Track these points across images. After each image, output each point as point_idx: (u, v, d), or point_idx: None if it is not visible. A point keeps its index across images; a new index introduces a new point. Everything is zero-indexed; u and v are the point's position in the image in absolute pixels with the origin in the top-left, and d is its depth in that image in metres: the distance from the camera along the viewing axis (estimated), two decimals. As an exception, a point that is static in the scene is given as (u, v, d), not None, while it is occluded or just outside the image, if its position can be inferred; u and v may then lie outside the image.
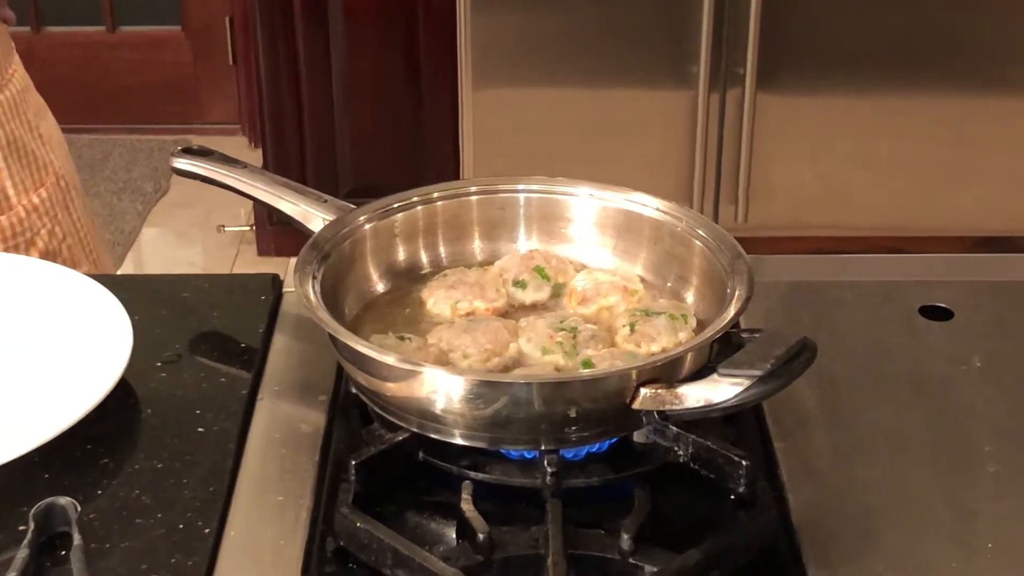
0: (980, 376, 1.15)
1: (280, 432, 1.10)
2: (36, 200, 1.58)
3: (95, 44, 3.65)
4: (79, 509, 0.95)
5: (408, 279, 1.17)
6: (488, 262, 1.18)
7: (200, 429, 1.09)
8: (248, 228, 3.13)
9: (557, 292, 1.14)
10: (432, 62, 2.85)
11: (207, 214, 3.23)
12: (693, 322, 1.08)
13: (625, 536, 0.92)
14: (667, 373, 0.97)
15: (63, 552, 0.94)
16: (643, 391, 0.96)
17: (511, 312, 1.12)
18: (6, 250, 1.48)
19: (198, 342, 1.22)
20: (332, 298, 1.06)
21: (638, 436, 1.02)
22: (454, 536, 0.96)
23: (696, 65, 2.83)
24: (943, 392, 1.14)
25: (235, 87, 3.35)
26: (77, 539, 0.93)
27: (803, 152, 2.95)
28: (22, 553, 0.92)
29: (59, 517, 0.96)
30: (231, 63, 3.46)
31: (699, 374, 0.97)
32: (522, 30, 2.81)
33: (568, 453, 0.99)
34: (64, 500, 0.96)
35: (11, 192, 1.56)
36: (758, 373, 0.93)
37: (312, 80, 2.87)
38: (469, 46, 2.79)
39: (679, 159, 2.88)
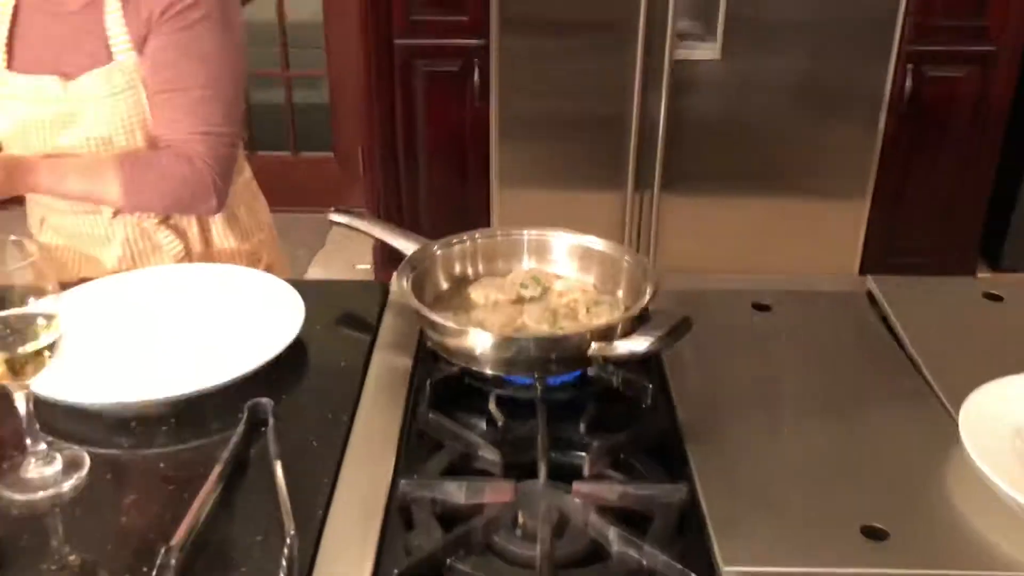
0: (786, 343, 1.16)
1: (387, 368, 1.11)
2: (260, 238, 1.54)
3: (284, 161, 3.65)
4: (273, 405, 0.99)
5: (460, 283, 1.17)
6: (506, 274, 1.17)
7: (342, 363, 1.11)
8: (370, 266, 3.17)
9: (545, 291, 1.13)
10: (476, 173, 2.85)
11: (349, 258, 3.30)
12: (622, 308, 1.09)
13: (582, 425, 0.96)
14: (607, 335, 0.98)
15: (263, 430, 0.96)
16: (593, 344, 0.98)
17: (519, 302, 1.11)
18: (248, 265, 1.44)
19: (344, 317, 1.22)
20: (417, 292, 1.07)
21: (591, 371, 1.02)
22: (484, 425, 0.98)
23: (625, 175, 2.84)
24: (761, 350, 1.14)
25: (365, 185, 3.33)
26: (271, 423, 0.96)
27: (691, 227, 2.94)
28: (240, 428, 0.96)
29: (261, 410, 0.98)
30: (361, 173, 3.48)
31: (626, 336, 0.98)
32: (530, 156, 2.82)
33: (550, 380, 1.01)
34: (264, 400, 0.99)
35: (252, 229, 1.52)
36: (659, 333, 0.96)
37: (408, 182, 2.87)
38: (497, 168, 2.83)
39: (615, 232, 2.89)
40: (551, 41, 2.69)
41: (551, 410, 0.96)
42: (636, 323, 1.00)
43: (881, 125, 2.72)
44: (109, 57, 1.29)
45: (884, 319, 1.18)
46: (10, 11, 1.31)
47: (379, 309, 1.23)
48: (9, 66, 1.31)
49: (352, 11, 2.82)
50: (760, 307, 1.21)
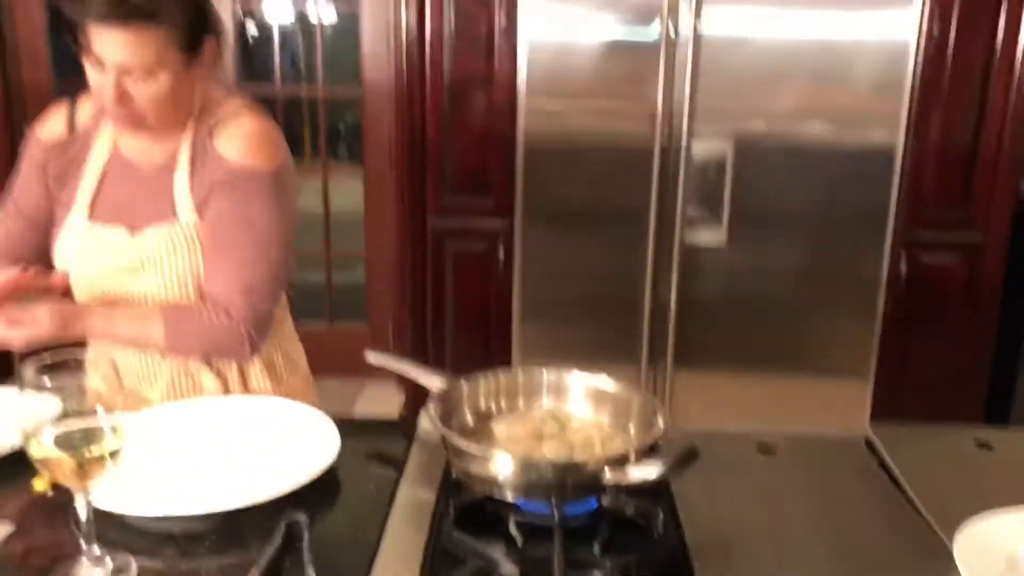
0: (789, 481, 1.22)
1: (413, 496, 1.17)
2: (295, 382, 1.62)
3: (320, 332, 3.79)
4: (308, 522, 1.04)
5: (484, 418, 1.24)
6: (526, 410, 1.24)
7: (371, 489, 1.18)
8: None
9: (562, 428, 1.20)
10: (498, 346, 2.95)
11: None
12: (633, 441, 1.16)
13: (596, 546, 1.03)
14: (621, 463, 1.05)
15: (297, 545, 1.01)
16: (608, 472, 1.04)
17: (538, 437, 1.18)
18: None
19: (374, 449, 1.30)
20: (445, 423, 1.14)
21: (605, 501, 1.08)
22: (504, 546, 1.03)
23: (639, 352, 2.95)
24: (765, 488, 1.20)
25: (394, 353, 3.36)
26: (306, 537, 1.01)
27: (703, 400, 3.01)
28: (277, 541, 1.01)
29: (297, 526, 1.03)
30: (391, 343, 3.60)
31: (638, 464, 1.05)
32: (550, 331, 2.94)
33: (567, 508, 1.05)
34: (300, 516, 1.04)
35: (287, 374, 1.60)
36: (668, 461, 1.04)
37: (435, 352, 2.99)
38: (519, 342, 2.95)
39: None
40: (570, 226, 2.88)
41: (567, 533, 1.02)
42: (648, 454, 1.09)
43: (880, 306, 2.85)
44: (174, 216, 1.43)
45: (882, 464, 1.25)
46: (100, 170, 1.46)
47: (407, 444, 1.31)
48: (90, 217, 1.45)
49: (389, 195, 3.04)
50: (765, 449, 1.29)
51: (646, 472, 1.05)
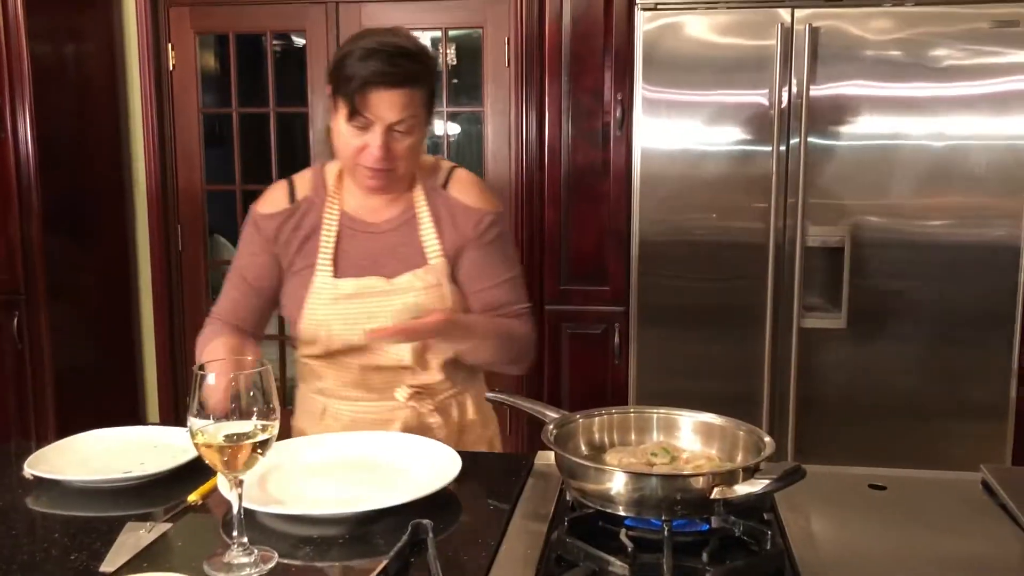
0: (899, 516, 1.23)
1: (530, 512, 1.25)
2: (494, 429, 1.78)
3: None
4: (432, 525, 1.13)
5: (597, 448, 1.31)
6: (638, 444, 1.31)
7: (491, 506, 1.27)
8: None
9: (673, 459, 1.24)
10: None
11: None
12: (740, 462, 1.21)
13: (704, 555, 1.07)
14: (729, 481, 1.10)
15: (424, 545, 1.10)
16: (715, 489, 1.09)
17: (651, 465, 1.22)
18: (486, 448, 1.73)
19: (495, 475, 1.39)
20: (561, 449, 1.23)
21: (714, 522, 1.13)
22: (615, 551, 1.07)
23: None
24: (875, 520, 1.22)
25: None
26: (431, 536, 1.10)
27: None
28: (404, 538, 1.10)
29: (423, 529, 1.12)
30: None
31: (745, 481, 1.10)
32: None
33: (676, 524, 1.10)
34: (425, 521, 1.13)
35: (490, 419, 1.78)
36: (773, 476, 1.08)
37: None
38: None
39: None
40: (685, 312, 2.95)
41: (676, 547, 1.07)
42: (755, 474, 1.13)
43: (1012, 400, 2.78)
44: (423, 260, 1.62)
45: (1003, 506, 1.25)
46: (334, 233, 1.64)
47: (526, 473, 1.40)
48: (335, 275, 1.62)
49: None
50: (876, 487, 1.31)
51: (752, 487, 1.09)
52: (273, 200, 1.69)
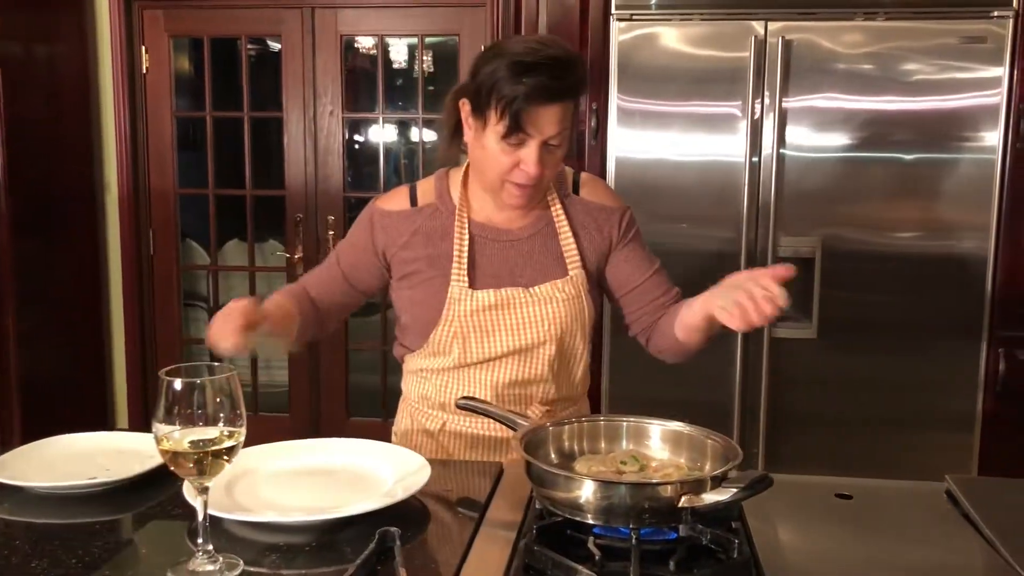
0: (865, 523, 1.24)
1: (498, 520, 1.25)
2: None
3: None
4: (399, 534, 1.13)
5: (567, 456, 1.31)
6: (608, 452, 1.32)
7: (459, 512, 1.26)
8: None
9: (643, 468, 1.25)
10: None
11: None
12: (708, 470, 1.21)
13: (671, 563, 1.08)
14: (696, 489, 1.10)
15: (390, 552, 1.10)
16: (683, 497, 1.09)
17: (620, 474, 1.23)
18: None
19: (464, 482, 1.38)
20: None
21: (682, 530, 1.14)
22: (582, 560, 1.07)
23: None
24: (841, 527, 1.23)
25: None
26: (398, 544, 1.11)
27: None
28: (371, 546, 1.10)
29: (390, 536, 1.12)
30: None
31: (712, 490, 1.10)
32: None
33: (644, 532, 1.12)
34: (393, 528, 1.13)
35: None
36: (741, 485, 1.09)
37: None
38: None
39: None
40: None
41: (644, 555, 1.08)
42: (723, 483, 1.13)
43: (979, 408, 2.82)
44: (563, 271, 1.59)
45: (966, 516, 1.26)
46: (466, 244, 1.58)
47: (495, 481, 1.40)
48: (472, 286, 1.56)
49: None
50: (842, 496, 1.32)
51: (719, 495, 1.10)
52: (396, 199, 1.64)
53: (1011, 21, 2.71)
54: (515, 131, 1.44)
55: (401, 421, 1.72)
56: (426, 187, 1.65)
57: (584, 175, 1.67)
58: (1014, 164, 2.76)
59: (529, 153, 1.46)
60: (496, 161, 1.48)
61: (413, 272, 1.60)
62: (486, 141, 1.48)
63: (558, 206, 1.61)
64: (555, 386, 1.61)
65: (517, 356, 1.57)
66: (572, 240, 1.60)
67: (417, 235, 1.60)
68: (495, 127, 1.45)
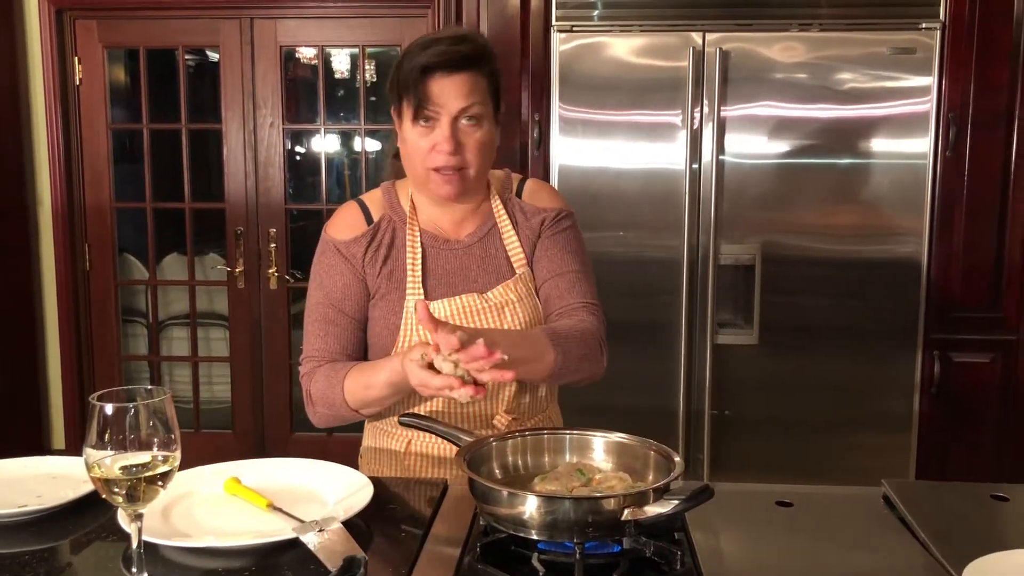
0: (805, 530, 1.26)
1: (442, 539, 1.24)
2: None
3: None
4: (366, 561, 1.08)
5: (511, 471, 1.30)
6: (552, 467, 1.30)
7: (402, 533, 1.25)
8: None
9: (589, 481, 1.23)
10: None
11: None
12: (651, 482, 1.20)
13: (615, 576, 1.08)
14: (639, 502, 1.10)
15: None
16: (626, 510, 1.09)
17: (568, 489, 1.21)
18: None
19: (408, 500, 1.36)
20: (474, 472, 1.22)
21: (626, 543, 1.14)
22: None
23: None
24: (782, 536, 1.24)
25: None
26: (361, 571, 1.05)
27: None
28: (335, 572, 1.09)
29: (356, 563, 1.05)
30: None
31: (655, 502, 1.10)
32: None
33: (588, 546, 1.11)
34: (360, 555, 1.09)
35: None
36: (683, 497, 1.09)
37: None
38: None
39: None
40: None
41: (588, 570, 1.08)
42: (666, 495, 1.14)
43: (916, 410, 2.88)
44: (512, 271, 1.59)
45: (900, 518, 1.29)
46: (417, 253, 1.56)
47: (440, 498, 1.39)
48: (428, 296, 1.54)
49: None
50: (783, 503, 1.34)
51: (661, 507, 1.10)
52: (350, 224, 1.60)
53: (939, 32, 2.79)
54: (422, 107, 1.46)
55: (366, 440, 1.69)
56: (375, 199, 1.63)
57: (531, 180, 1.68)
58: (944, 170, 2.84)
59: (441, 131, 1.47)
60: (415, 147, 1.50)
61: (376, 290, 1.58)
62: (405, 133, 1.51)
63: (500, 207, 1.62)
64: (518, 394, 1.59)
65: None
66: (516, 239, 1.61)
67: (378, 253, 1.58)
68: (408, 113, 1.48)
